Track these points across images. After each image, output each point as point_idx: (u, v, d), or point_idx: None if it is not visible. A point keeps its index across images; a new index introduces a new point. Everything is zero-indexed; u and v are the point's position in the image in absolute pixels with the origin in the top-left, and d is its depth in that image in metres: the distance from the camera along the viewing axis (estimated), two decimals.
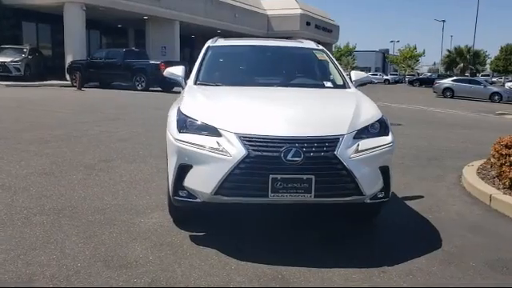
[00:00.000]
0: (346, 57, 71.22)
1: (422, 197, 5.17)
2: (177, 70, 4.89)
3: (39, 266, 3.26)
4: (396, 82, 58.68)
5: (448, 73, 55.33)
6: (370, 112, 3.88)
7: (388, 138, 3.73)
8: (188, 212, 4.10)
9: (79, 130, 9.09)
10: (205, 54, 4.97)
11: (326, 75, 5.01)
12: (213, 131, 3.55)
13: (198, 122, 3.64)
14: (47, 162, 6.27)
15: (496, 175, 5.37)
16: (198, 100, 4.01)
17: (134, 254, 3.51)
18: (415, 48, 73.45)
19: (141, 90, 20.59)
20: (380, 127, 3.75)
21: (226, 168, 3.36)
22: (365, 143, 3.56)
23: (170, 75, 4.91)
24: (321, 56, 5.22)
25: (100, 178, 5.53)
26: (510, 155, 5.13)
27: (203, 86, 4.47)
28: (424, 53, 67.15)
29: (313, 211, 4.47)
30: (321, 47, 5.41)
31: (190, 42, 37.27)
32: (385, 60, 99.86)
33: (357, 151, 3.48)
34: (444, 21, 60.96)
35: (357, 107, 3.88)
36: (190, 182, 3.56)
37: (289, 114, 3.74)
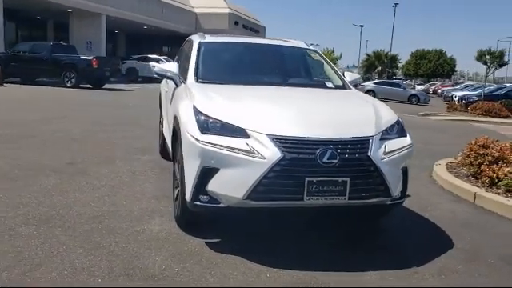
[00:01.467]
0: None
1: (409, 196, 5.30)
2: (170, 67, 4.59)
3: (54, 284, 2.90)
4: None
5: (367, 76, 58.06)
6: (387, 113, 3.89)
7: (408, 140, 3.76)
8: (199, 218, 3.85)
9: (29, 128, 8.33)
10: (198, 51, 4.71)
11: (325, 75, 4.97)
12: (239, 132, 3.35)
13: (223, 123, 3.42)
14: (6, 165, 5.64)
15: (472, 174, 5.65)
16: (215, 99, 3.76)
17: (156, 265, 3.23)
18: (333, 51, 76.24)
19: (70, 87, 19.34)
20: (398, 129, 3.77)
21: (260, 171, 3.19)
22: (390, 144, 3.55)
23: (163, 72, 4.60)
24: (315, 56, 5.18)
25: (76, 183, 5.06)
26: (487, 154, 5.44)
27: (207, 84, 4.23)
28: (341, 56, 70.10)
29: (322, 213, 4.39)
30: (312, 47, 5.37)
31: (113, 37, 35.86)
32: None
33: (385, 153, 3.47)
34: (362, 26, 63.54)
35: (375, 108, 3.88)
36: (215, 186, 3.34)
37: (317, 114, 3.65)
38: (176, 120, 3.94)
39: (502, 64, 22.17)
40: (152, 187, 5.08)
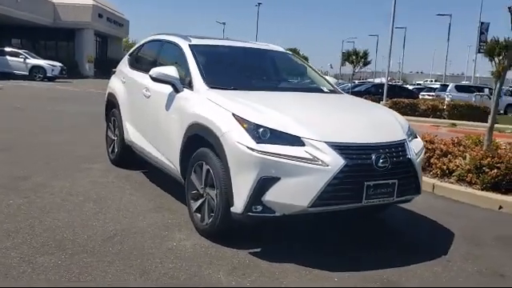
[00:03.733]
0: None
1: None
2: (169, 71, 4.28)
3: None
4: None
5: None
6: (401, 118, 4.19)
7: (420, 141, 4.12)
8: (231, 228, 3.72)
9: None
10: (194, 55, 4.48)
11: (317, 79, 5.11)
12: (294, 140, 3.34)
13: (274, 131, 3.36)
14: None
15: None
16: (252, 106, 3.64)
17: (220, 280, 3.10)
18: None
19: None
20: (411, 131, 4.10)
21: (325, 178, 3.23)
22: (414, 146, 3.86)
23: (163, 77, 4.28)
24: (298, 60, 5.28)
25: (48, 201, 4.47)
26: (435, 149, 6.15)
27: (225, 91, 4.05)
28: None
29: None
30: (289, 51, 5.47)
31: None
32: None
33: (415, 154, 3.77)
34: (224, 23, 64.69)
35: (391, 113, 4.16)
36: (275, 195, 3.29)
37: (357, 121, 3.79)
38: (203, 129, 3.75)
39: (366, 63, 24.75)
40: (138, 199, 4.73)
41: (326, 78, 5.21)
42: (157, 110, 4.63)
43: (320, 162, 3.25)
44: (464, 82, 38.55)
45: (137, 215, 4.25)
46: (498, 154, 5.45)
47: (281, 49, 5.43)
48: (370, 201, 3.42)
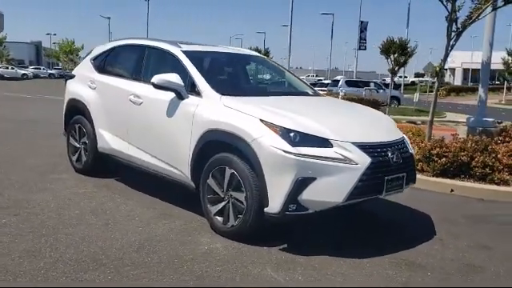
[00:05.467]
0: None
1: None
2: (173, 78, 4.28)
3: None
4: (62, 77, 56.66)
5: None
6: (388, 116, 4.71)
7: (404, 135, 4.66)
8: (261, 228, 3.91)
9: None
10: (192, 61, 4.53)
11: (298, 82, 5.40)
12: (323, 142, 3.64)
13: (304, 134, 3.63)
14: None
15: None
16: (278, 112, 3.84)
17: (273, 277, 3.31)
18: (73, 42, 72.22)
19: None
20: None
21: (357, 176, 3.58)
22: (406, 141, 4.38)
23: (166, 83, 4.29)
24: (275, 63, 5.56)
25: (43, 217, 4.27)
26: None
27: (238, 97, 4.19)
28: (83, 47, 67.57)
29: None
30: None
31: None
32: (38, 53, 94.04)
33: (411, 149, 4.29)
34: (109, 18, 61.99)
35: (382, 113, 4.64)
36: (311, 194, 3.56)
37: (366, 122, 4.19)
38: (225, 135, 3.88)
39: None
40: (135, 207, 4.67)
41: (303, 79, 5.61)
42: (154, 117, 4.60)
43: (350, 162, 3.60)
44: (339, 77, 41.21)
45: (147, 224, 4.24)
46: (445, 145, 6.27)
47: (257, 53, 5.68)
48: (387, 193, 3.86)
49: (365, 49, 45.01)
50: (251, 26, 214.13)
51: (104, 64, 5.70)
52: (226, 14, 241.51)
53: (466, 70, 69.04)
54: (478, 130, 7.66)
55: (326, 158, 3.56)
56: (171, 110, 4.41)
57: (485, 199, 5.78)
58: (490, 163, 5.98)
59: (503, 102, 39.66)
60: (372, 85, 31.20)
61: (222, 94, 4.20)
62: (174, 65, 4.66)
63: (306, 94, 5.15)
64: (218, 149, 3.99)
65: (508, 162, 6.05)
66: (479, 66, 8.31)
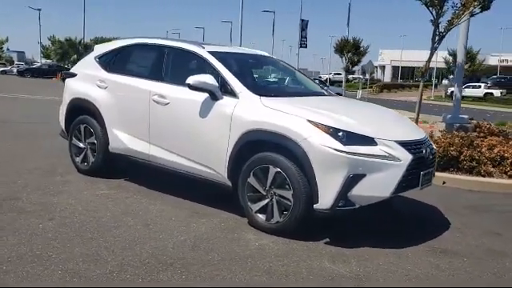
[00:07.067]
0: None
1: None
2: (208, 79, 4.34)
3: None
4: (4, 73, 53.26)
5: (62, 64, 54.68)
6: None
7: None
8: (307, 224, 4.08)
9: None
10: (222, 62, 4.60)
11: (313, 83, 5.60)
12: (368, 141, 3.87)
13: (351, 133, 3.84)
14: None
15: None
16: (323, 113, 4.03)
17: (333, 269, 3.50)
18: None
19: None
20: None
21: (401, 171, 3.85)
22: None
23: (202, 85, 4.34)
24: (286, 64, 5.73)
25: (76, 219, 4.21)
26: None
27: (276, 98, 4.34)
28: (7, 39, 64.19)
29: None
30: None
31: None
32: None
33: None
34: (40, 9, 58.80)
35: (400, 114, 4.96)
36: (361, 190, 3.78)
37: (397, 121, 4.48)
38: (270, 134, 4.02)
39: None
40: (164, 207, 4.67)
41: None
42: (183, 117, 4.63)
43: (394, 158, 3.87)
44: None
45: (187, 223, 4.27)
46: (435, 141, 6.74)
47: (267, 54, 5.83)
48: (422, 186, 4.17)
49: (306, 47, 46.13)
50: (189, 21, 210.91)
51: (114, 63, 5.59)
52: (163, 11, 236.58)
53: (395, 68, 72.46)
54: (455, 126, 8.27)
55: (374, 156, 3.80)
56: (204, 110, 4.46)
57: (473, 190, 6.31)
58: (477, 157, 6.51)
59: (432, 98, 42.21)
60: (317, 82, 32.10)
61: (263, 96, 4.32)
62: (200, 65, 4.72)
63: (324, 95, 5.36)
64: (260, 148, 4.11)
65: (490, 156, 6.62)
66: (408, 64, 8.97)
